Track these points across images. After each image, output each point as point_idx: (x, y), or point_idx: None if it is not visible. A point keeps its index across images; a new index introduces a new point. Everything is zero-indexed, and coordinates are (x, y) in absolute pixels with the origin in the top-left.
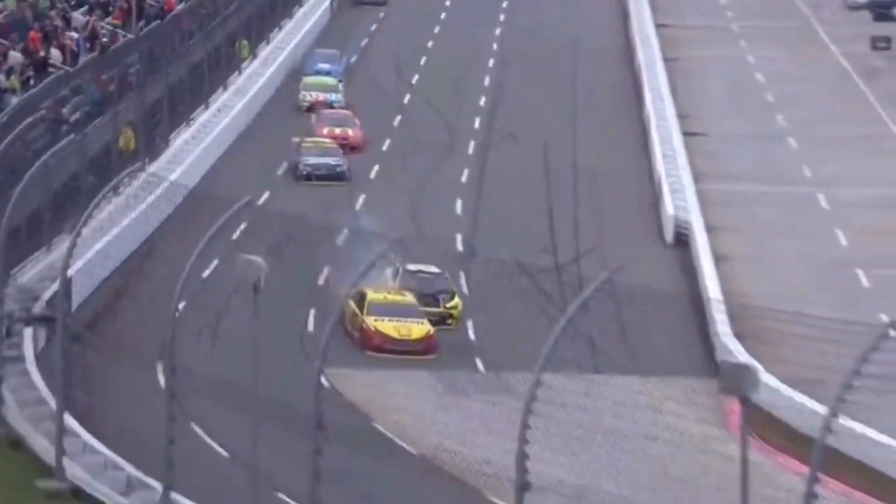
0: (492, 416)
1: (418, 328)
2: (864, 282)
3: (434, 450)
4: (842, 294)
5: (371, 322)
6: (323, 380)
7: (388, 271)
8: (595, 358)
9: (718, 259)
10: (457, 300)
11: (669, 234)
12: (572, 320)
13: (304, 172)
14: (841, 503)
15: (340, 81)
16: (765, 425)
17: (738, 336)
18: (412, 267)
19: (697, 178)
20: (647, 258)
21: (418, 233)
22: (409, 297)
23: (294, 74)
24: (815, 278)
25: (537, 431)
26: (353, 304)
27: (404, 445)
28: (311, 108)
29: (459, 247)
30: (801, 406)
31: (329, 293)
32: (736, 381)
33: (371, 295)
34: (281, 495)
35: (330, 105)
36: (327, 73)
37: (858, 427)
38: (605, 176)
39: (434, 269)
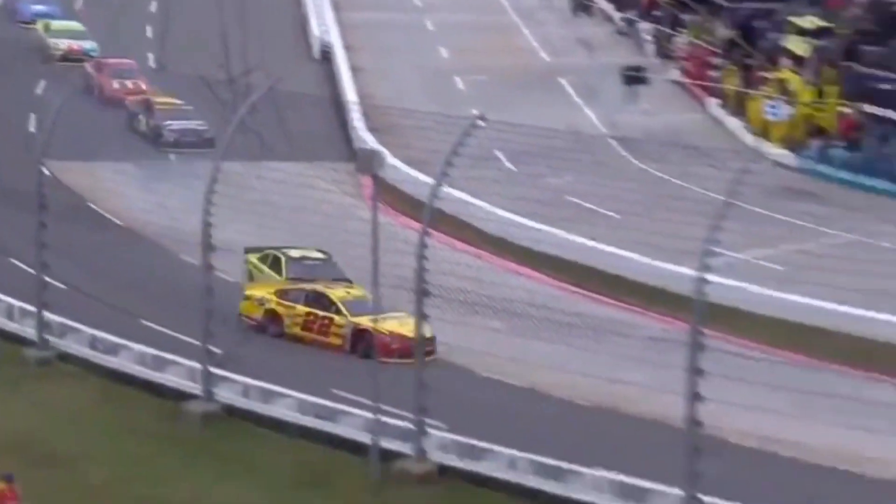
0: (184, 196)
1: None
2: (460, 85)
3: (136, 222)
4: (444, 95)
5: (374, 324)
6: (44, 169)
7: (253, 258)
8: (263, 149)
9: (354, 71)
10: (358, 289)
11: (316, 52)
12: (244, 120)
13: (171, 139)
14: (444, 248)
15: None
16: (390, 195)
17: (370, 129)
18: (294, 253)
19: (336, 7)
20: (300, 71)
21: (119, 51)
22: (361, 289)
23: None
24: (424, 84)
25: (220, 206)
26: (296, 306)
27: (113, 219)
28: (66, 57)
29: (152, 64)
30: (415, 179)
31: (45, 101)
32: (368, 162)
33: (334, 292)
34: (14, 261)
35: (87, 54)
36: (46, 15)
37: (457, 193)
38: (265, 6)
39: (318, 253)
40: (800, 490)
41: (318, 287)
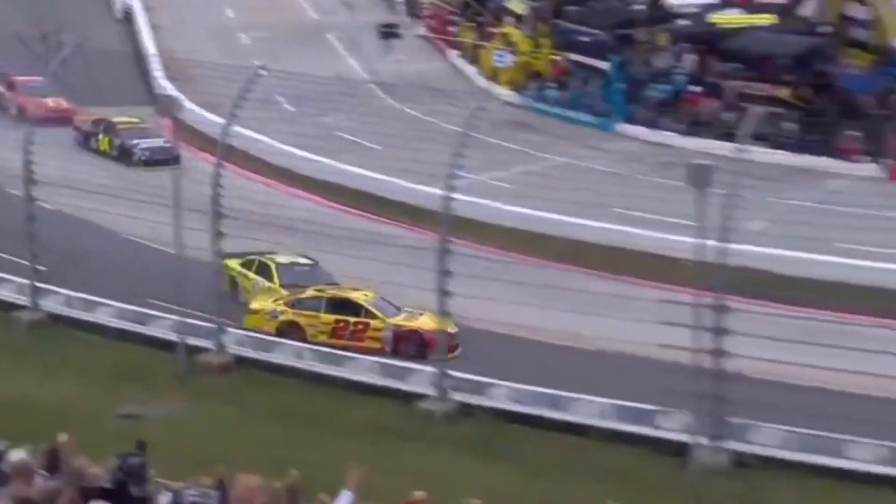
0: (7, 137)
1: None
2: (245, 41)
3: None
4: (231, 48)
5: (416, 323)
6: None
7: (234, 264)
8: (75, 96)
9: (153, 28)
10: (367, 290)
11: (119, 13)
12: (57, 74)
13: (143, 158)
14: (236, 178)
15: None
16: (190, 134)
17: (170, 78)
18: (282, 259)
19: None
20: (104, 30)
21: None
22: (370, 290)
23: None
24: (214, 39)
25: (40, 145)
26: (319, 314)
27: None
28: None
29: None
30: (209, 120)
31: None
32: (168, 107)
33: (355, 296)
34: None
35: None
36: None
37: (245, 131)
38: None
39: (304, 259)
40: (535, 363)
41: (337, 292)
